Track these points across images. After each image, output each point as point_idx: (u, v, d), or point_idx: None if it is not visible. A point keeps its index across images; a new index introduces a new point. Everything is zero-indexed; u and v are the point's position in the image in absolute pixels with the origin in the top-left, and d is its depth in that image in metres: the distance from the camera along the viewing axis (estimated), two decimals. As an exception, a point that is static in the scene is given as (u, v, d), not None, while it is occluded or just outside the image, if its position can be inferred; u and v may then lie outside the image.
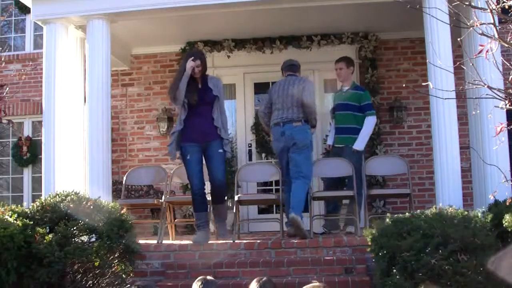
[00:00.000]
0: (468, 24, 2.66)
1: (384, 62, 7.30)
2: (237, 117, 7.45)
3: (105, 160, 5.45)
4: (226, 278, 4.55)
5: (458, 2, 2.69)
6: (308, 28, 6.91)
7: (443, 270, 3.49)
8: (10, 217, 3.94)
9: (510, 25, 2.89)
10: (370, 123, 5.99)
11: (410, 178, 5.77)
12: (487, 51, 2.57)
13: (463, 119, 5.69)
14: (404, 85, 6.94)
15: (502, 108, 2.80)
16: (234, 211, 5.58)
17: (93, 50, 5.55)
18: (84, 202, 4.22)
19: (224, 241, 5.16)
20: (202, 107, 5.27)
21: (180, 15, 5.94)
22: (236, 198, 5.65)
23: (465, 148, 5.87)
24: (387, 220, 3.95)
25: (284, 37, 7.13)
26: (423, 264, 3.54)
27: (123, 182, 5.96)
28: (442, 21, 4.04)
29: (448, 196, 4.81)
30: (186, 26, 6.75)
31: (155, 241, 5.30)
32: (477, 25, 2.60)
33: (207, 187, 5.38)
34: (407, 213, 4.00)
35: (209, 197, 5.43)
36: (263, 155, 7.37)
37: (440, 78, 4.79)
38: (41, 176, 5.66)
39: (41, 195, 5.36)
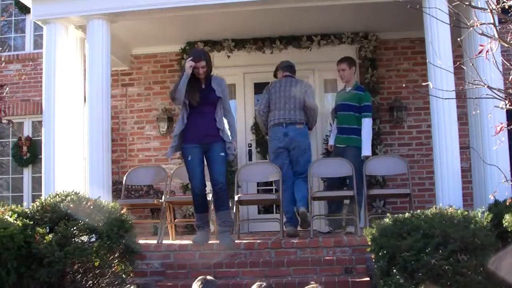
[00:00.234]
0: (468, 24, 2.66)
1: (384, 62, 7.30)
2: (237, 117, 7.42)
3: (105, 160, 5.45)
4: (226, 278, 4.55)
5: (458, 2, 2.69)
6: (308, 28, 6.91)
7: (443, 270, 3.50)
8: (10, 217, 3.93)
9: (510, 25, 2.89)
10: (367, 125, 5.99)
11: (410, 178, 5.76)
12: (487, 51, 2.57)
13: (463, 119, 5.69)
14: (404, 85, 6.94)
15: (502, 108, 2.80)
16: (234, 211, 5.58)
17: (93, 50, 5.55)
18: (84, 202, 4.22)
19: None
20: (205, 107, 5.14)
21: (180, 15, 5.93)
22: (236, 198, 5.65)
23: (465, 148, 5.87)
24: (387, 220, 3.95)
25: (284, 37, 7.14)
26: (423, 264, 3.54)
27: (123, 182, 5.96)
28: (442, 21, 4.04)
29: (448, 196, 4.81)
30: (186, 26, 6.75)
31: (155, 241, 5.30)
32: (477, 25, 2.60)
33: (208, 187, 5.36)
34: (407, 213, 4.00)
35: (209, 197, 5.41)
36: (263, 155, 7.37)
37: (440, 78, 4.79)
38: (41, 176, 5.66)
39: (41, 195, 5.36)
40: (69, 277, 3.98)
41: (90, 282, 4.10)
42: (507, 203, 3.98)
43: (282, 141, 5.79)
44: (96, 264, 4.01)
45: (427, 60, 5.03)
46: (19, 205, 4.26)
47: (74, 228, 4.02)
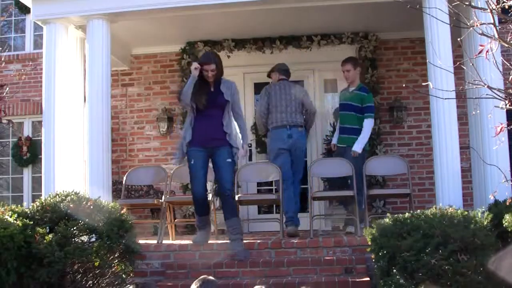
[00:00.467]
0: (468, 24, 2.66)
1: (384, 62, 7.30)
2: (237, 117, 7.45)
3: (105, 160, 5.44)
4: (226, 278, 4.55)
5: (458, 2, 2.69)
6: (308, 28, 6.91)
7: (443, 270, 3.50)
8: (10, 217, 3.93)
9: (510, 25, 2.89)
10: (368, 125, 5.98)
11: (410, 178, 5.76)
12: (487, 51, 2.57)
13: (463, 119, 5.68)
14: (404, 85, 6.93)
15: (502, 108, 2.80)
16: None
17: (93, 50, 5.55)
18: (84, 202, 4.22)
19: (224, 241, 5.16)
20: (212, 111, 5.02)
21: (180, 15, 5.93)
22: (236, 198, 5.64)
23: (465, 148, 5.86)
24: (387, 220, 3.95)
25: (284, 37, 7.14)
26: (423, 264, 3.54)
27: (123, 182, 5.96)
28: (442, 21, 4.03)
29: (448, 196, 4.80)
30: (186, 26, 6.75)
31: (155, 241, 5.31)
32: (477, 25, 2.60)
33: (208, 187, 5.35)
34: (407, 213, 4.00)
35: (209, 197, 5.40)
36: (263, 155, 7.37)
37: (440, 78, 4.79)
38: (41, 176, 5.66)
39: (41, 195, 5.36)
40: (69, 277, 3.98)
41: (90, 282, 4.10)
42: (507, 203, 3.97)
43: (286, 142, 5.89)
44: (96, 264, 4.01)
45: (427, 60, 5.03)
46: (19, 205, 4.26)
47: (74, 228, 4.02)
